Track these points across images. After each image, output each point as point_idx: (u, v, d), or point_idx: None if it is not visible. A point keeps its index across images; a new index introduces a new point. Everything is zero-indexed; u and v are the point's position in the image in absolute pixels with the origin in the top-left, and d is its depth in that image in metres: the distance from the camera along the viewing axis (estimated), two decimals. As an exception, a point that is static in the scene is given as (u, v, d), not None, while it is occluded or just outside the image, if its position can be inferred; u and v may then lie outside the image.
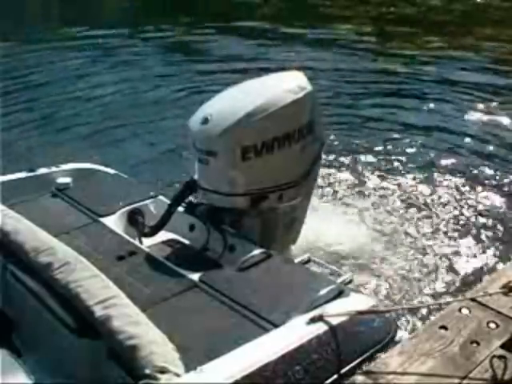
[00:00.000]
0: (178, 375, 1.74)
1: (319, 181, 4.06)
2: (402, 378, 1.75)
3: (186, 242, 2.97)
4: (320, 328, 2.06)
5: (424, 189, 4.61)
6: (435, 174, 4.86)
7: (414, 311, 3.11)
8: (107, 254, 2.58)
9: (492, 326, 1.94)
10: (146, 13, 11.29)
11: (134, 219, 3.00)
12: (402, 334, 2.68)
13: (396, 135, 5.65)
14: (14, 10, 10.78)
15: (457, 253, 3.76)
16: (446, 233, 4.00)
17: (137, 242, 2.80)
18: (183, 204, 2.95)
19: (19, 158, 4.92)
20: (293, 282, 2.40)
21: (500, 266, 3.55)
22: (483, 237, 3.94)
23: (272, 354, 1.91)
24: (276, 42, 9.06)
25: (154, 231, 2.90)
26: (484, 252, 3.77)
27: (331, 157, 5.03)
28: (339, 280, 2.61)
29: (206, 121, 2.75)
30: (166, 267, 2.53)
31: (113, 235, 2.81)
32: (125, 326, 1.91)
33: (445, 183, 4.70)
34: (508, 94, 6.66)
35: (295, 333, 2.04)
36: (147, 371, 1.74)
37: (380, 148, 5.37)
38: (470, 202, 4.40)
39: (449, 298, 3.25)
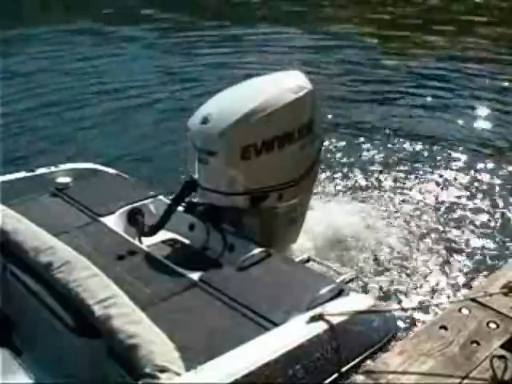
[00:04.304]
0: (178, 374, 1.75)
1: (319, 180, 4.07)
2: (402, 377, 1.74)
3: (186, 241, 2.98)
4: (320, 327, 2.06)
5: (424, 188, 4.61)
6: (435, 174, 4.85)
7: (413, 311, 3.10)
8: (107, 254, 2.59)
9: (492, 326, 1.94)
10: (145, 11, 11.28)
11: (134, 219, 3.00)
12: (402, 334, 2.68)
13: (396, 134, 5.64)
14: (12, 6, 10.75)
15: (457, 253, 3.75)
16: (445, 233, 3.99)
17: (137, 242, 2.80)
18: (183, 203, 2.95)
19: (19, 158, 4.92)
20: (293, 281, 2.40)
21: (500, 266, 3.55)
22: (483, 237, 3.93)
23: (272, 352, 1.92)
24: (276, 42, 9.05)
25: (153, 231, 2.91)
26: (484, 252, 3.77)
27: (332, 156, 5.03)
28: (339, 279, 2.61)
29: (205, 120, 2.76)
30: (165, 267, 2.54)
31: (113, 235, 2.81)
32: (125, 325, 1.91)
33: (445, 183, 4.70)
34: (508, 93, 6.66)
35: (295, 332, 2.05)
36: (147, 370, 1.74)
37: (380, 146, 5.37)
38: (470, 201, 4.39)
39: (449, 298, 3.26)
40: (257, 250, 2.54)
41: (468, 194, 4.50)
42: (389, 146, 5.41)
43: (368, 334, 2.22)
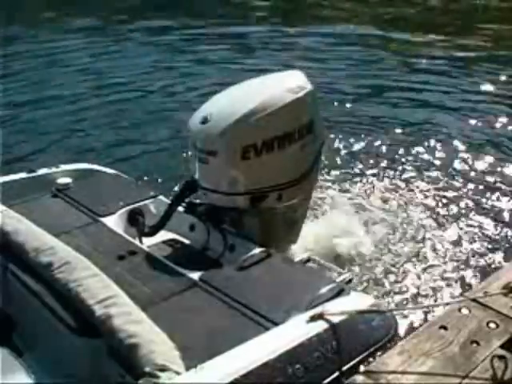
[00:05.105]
0: (178, 373, 1.75)
1: (320, 180, 4.07)
2: (401, 377, 1.75)
3: (187, 241, 2.98)
4: (320, 326, 2.06)
5: (424, 189, 4.61)
6: (435, 174, 4.86)
7: (414, 311, 3.11)
8: (107, 254, 2.59)
9: (492, 325, 1.94)
10: (144, 11, 11.29)
11: (135, 219, 3.00)
12: (402, 334, 2.68)
13: (396, 134, 5.66)
14: (11, 6, 10.75)
15: (457, 253, 3.76)
16: (446, 233, 3.99)
17: (137, 242, 2.81)
18: (183, 204, 2.95)
19: (19, 158, 4.93)
20: (293, 281, 2.41)
21: (500, 266, 3.55)
22: (483, 237, 3.94)
23: (272, 352, 1.92)
24: (276, 42, 9.06)
25: (154, 231, 2.91)
26: (484, 252, 3.77)
27: (332, 155, 5.04)
28: (339, 279, 2.62)
29: (205, 120, 2.76)
30: (166, 267, 2.54)
31: (113, 235, 2.81)
32: (125, 325, 1.91)
33: (444, 184, 4.70)
34: (508, 94, 6.66)
35: (295, 331, 2.05)
36: (147, 369, 1.74)
37: (381, 146, 5.38)
38: (470, 201, 4.40)
39: (449, 298, 3.26)
40: (257, 250, 2.54)
41: (468, 195, 4.51)
42: (389, 144, 5.42)
43: (368, 333, 2.22)
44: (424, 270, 3.57)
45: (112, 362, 1.93)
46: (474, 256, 3.72)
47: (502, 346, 1.86)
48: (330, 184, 4.62)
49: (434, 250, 3.79)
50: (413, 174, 4.87)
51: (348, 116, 6.13)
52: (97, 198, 3.13)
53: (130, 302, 2.04)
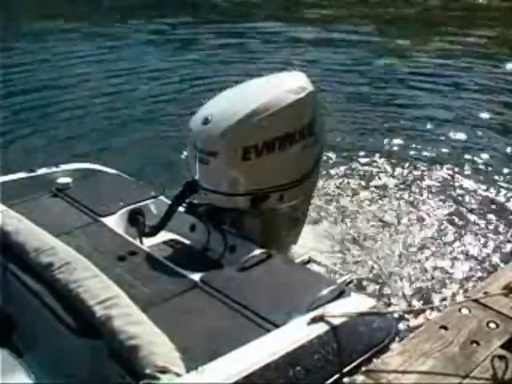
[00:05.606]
0: (178, 375, 1.74)
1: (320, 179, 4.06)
2: (402, 377, 1.75)
3: (187, 242, 2.98)
4: (321, 328, 2.06)
5: (424, 189, 4.61)
6: (434, 174, 4.86)
7: (414, 312, 3.10)
8: (108, 254, 2.59)
9: (492, 325, 1.95)
10: (144, 9, 11.29)
11: (135, 219, 3.00)
12: (402, 334, 2.68)
13: (396, 135, 5.65)
14: (12, 6, 10.75)
15: (457, 253, 3.76)
16: (445, 233, 3.99)
17: (137, 242, 2.80)
18: (184, 204, 2.95)
19: (19, 158, 4.93)
20: (294, 282, 2.40)
21: (500, 266, 3.55)
22: (483, 237, 3.93)
23: (273, 354, 1.92)
24: (276, 42, 9.06)
25: (154, 231, 2.91)
26: (484, 252, 3.77)
27: (333, 154, 5.04)
28: (340, 280, 2.62)
29: (206, 121, 2.76)
30: (166, 267, 2.54)
31: (113, 235, 2.81)
32: (125, 326, 1.91)
33: (444, 184, 4.70)
34: (508, 94, 6.66)
35: (296, 333, 2.05)
36: (148, 371, 1.74)
37: (381, 145, 5.38)
38: (470, 201, 4.40)
39: (449, 299, 3.26)
40: (257, 251, 2.54)
41: (468, 195, 4.50)
42: (389, 144, 5.42)
43: (369, 335, 2.22)
44: (424, 271, 3.57)
45: (112, 363, 1.92)
46: (474, 256, 3.72)
47: (502, 346, 1.86)
48: (329, 183, 4.62)
49: (434, 250, 3.79)
50: (413, 173, 4.87)
51: (347, 116, 6.12)
52: (97, 197, 3.13)
53: (130, 303, 2.04)
